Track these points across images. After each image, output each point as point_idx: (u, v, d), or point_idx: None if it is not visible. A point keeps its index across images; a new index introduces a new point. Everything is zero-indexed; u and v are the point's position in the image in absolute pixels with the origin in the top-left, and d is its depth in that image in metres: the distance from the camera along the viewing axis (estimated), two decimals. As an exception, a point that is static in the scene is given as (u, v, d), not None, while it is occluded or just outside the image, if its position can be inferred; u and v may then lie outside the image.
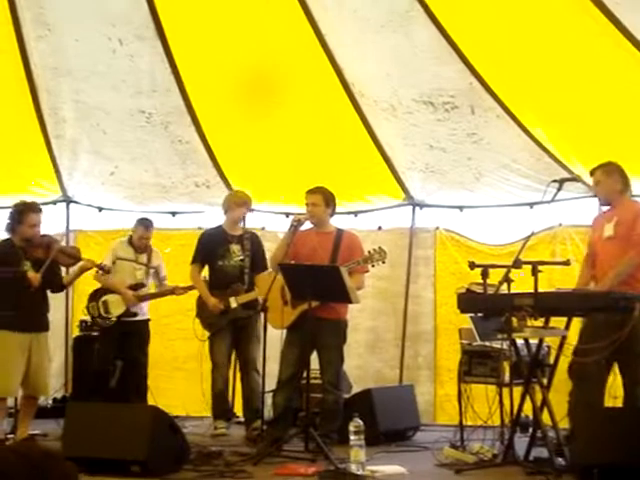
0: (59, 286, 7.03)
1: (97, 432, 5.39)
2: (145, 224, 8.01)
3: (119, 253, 7.93)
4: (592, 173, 6.19)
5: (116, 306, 7.82)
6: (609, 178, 6.04)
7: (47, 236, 6.99)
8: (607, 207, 6.21)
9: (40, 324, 6.73)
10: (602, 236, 6.02)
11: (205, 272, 7.67)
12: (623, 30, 6.73)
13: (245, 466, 5.60)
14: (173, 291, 7.94)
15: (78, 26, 8.03)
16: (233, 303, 7.36)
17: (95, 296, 7.92)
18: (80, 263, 7.05)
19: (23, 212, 6.74)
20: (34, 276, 6.58)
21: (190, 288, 7.83)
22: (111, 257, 7.90)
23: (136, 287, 7.87)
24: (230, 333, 7.39)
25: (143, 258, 7.99)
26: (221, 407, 7.47)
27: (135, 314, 7.87)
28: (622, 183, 6.03)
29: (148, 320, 8.03)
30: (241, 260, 7.46)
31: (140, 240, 7.96)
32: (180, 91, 8.37)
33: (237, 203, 7.60)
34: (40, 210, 6.90)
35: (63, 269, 7.15)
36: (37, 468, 1.62)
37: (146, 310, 8.02)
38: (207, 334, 7.50)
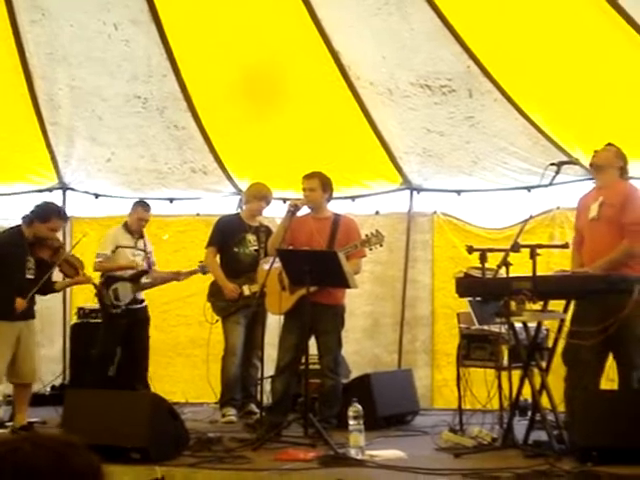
0: (49, 292, 7.04)
1: (96, 419, 5.39)
2: (144, 205, 7.98)
3: (120, 241, 7.86)
4: (594, 154, 6.04)
5: (125, 293, 7.80)
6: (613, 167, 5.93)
7: (57, 241, 6.99)
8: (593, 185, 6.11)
9: (29, 313, 6.72)
10: (588, 217, 5.92)
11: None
12: (621, 12, 6.69)
13: (244, 452, 5.60)
14: (177, 277, 7.94)
15: (73, 11, 7.99)
16: (246, 291, 7.41)
17: (106, 284, 7.87)
18: (77, 277, 7.02)
19: (52, 214, 6.70)
20: (21, 303, 6.54)
21: (192, 273, 7.84)
22: (111, 245, 7.84)
23: (141, 274, 7.84)
24: (243, 318, 7.40)
25: (141, 243, 7.95)
26: (230, 394, 7.47)
27: (142, 301, 7.88)
28: (622, 168, 5.94)
29: (147, 306, 8.03)
30: (255, 250, 7.51)
31: (139, 222, 7.90)
32: (176, 76, 8.33)
33: (257, 197, 7.68)
34: (67, 219, 6.90)
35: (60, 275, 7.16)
36: (60, 457, 1.57)
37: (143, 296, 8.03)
38: (217, 318, 7.53)
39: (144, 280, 7.87)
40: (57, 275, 7.12)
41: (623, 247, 5.72)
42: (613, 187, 5.90)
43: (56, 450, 1.57)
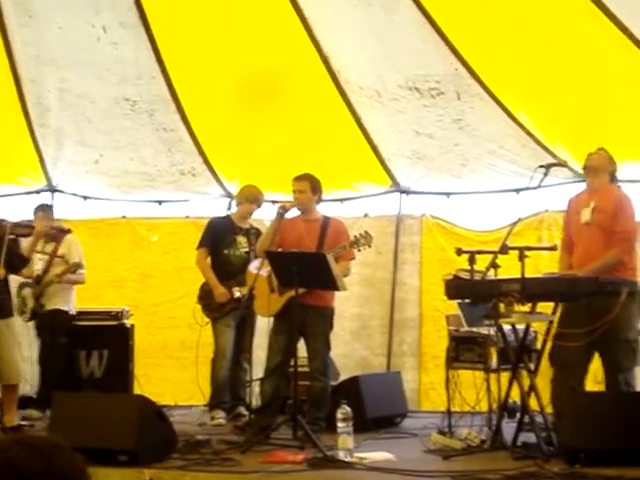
0: (21, 261, 6.91)
1: (84, 422, 5.37)
2: (34, 210, 7.82)
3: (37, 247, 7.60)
4: (588, 157, 6.03)
5: (29, 299, 7.68)
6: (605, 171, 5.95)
7: None
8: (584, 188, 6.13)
9: (5, 310, 6.66)
10: (579, 221, 5.95)
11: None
12: (606, 12, 6.71)
13: (233, 454, 5.60)
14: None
15: (61, 13, 7.97)
16: (236, 293, 7.38)
17: (18, 291, 7.72)
18: (36, 231, 6.93)
19: None
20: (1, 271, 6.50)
21: (64, 273, 7.56)
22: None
23: (37, 279, 7.65)
24: (233, 320, 7.40)
25: (48, 248, 7.72)
26: (220, 397, 7.45)
27: (42, 306, 7.65)
28: (612, 173, 5.98)
29: (61, 311, 7.70)
30: (246, 252, 7.50)
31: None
32: (165, 79, 8.32)
33: (249, 199, 7.69)
34: None
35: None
36: (47, 458, 1.58)
37: (63, 301, 7.72)
38: (206, 320, 7.52)
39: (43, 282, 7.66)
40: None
41: (613, 254, 5.75)
42: (605, 192, 5.93)
43: (43, 451, 1.60)
